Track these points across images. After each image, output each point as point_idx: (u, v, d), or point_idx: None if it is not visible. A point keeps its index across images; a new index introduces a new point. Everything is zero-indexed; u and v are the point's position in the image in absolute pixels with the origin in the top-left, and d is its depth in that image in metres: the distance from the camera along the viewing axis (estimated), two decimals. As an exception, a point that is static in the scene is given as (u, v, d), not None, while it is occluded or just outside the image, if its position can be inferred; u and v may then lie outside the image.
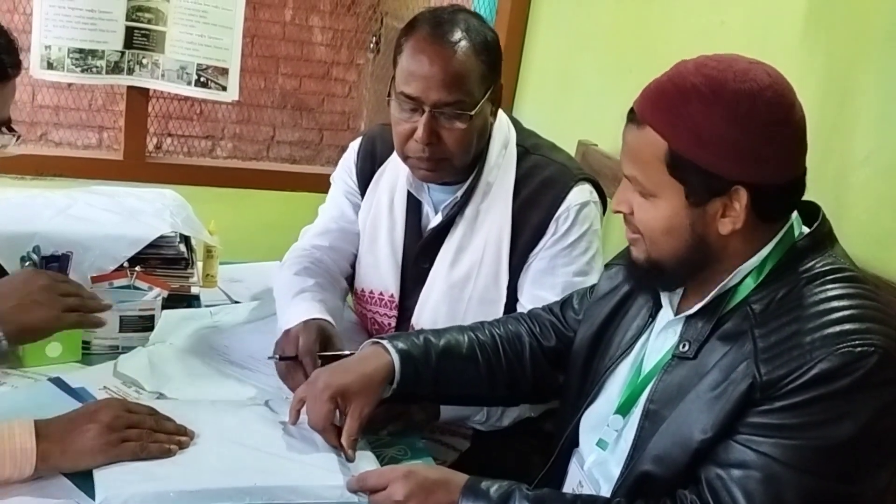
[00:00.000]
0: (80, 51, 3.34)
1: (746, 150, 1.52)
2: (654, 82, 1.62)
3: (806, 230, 1.64)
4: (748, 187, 1.53)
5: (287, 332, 2.15)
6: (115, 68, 3.42)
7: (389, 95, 2.22)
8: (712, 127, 1.51)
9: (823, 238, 1.63)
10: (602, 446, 1.78)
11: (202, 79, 3.49)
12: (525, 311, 2.17)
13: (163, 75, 3.48)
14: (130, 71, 3.45)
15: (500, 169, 2.29)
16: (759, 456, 1.48)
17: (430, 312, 2.33)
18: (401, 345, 1.97)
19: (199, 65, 3.47)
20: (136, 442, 1.69)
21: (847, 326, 1.48)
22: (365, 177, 2.49)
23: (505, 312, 2.26)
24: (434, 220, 2.36)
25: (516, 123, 2.40)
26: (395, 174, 2.42)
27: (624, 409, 1.74)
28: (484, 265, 2.28)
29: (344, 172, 2.56)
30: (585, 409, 1.87)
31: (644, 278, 1.74)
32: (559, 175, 2.29)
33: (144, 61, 3.45)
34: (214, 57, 3.48)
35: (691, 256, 1.62)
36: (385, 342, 1.97)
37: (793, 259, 1.59)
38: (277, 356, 2.12)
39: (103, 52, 3.37)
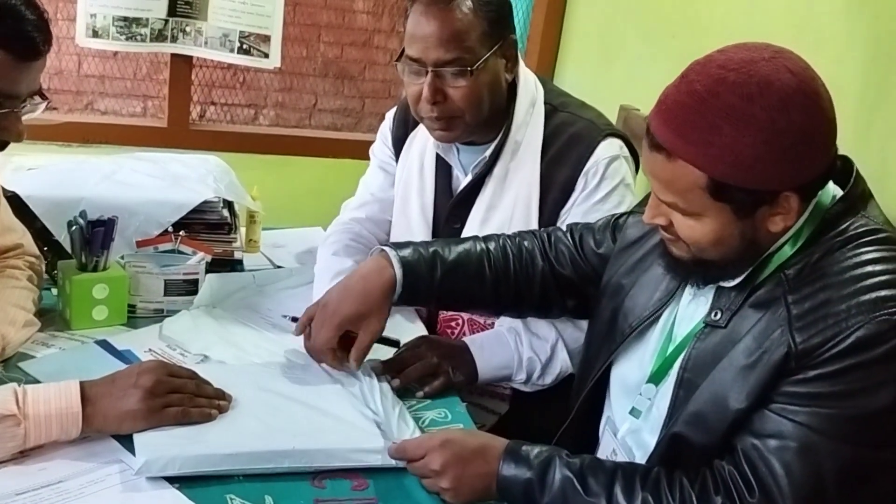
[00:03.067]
0: (125, 19, 3.36)
1: (787, 161, 1.47)
2: (671, 102, 1.52)
3: (839, 191, 1.61)
4: (795, 189, 1.50)
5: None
6: (159, 36, 3.44)
7: (398, 60, 2.24)
8: (749, 150, 1.45)
9: (857, 199, 1.59)
10: (635, 415, 1.77)
11: (244, 46, 3.50)
12: (545, 231, 2.14)
13: (206, 43, 3.49)
14: (174, 39, 3.47)
15: (528, 127, 2.29)
16: (796, 426, 1.48)
17: None
18: (406, 255, 1.99)
19: (241, 32, 3.48)
20: (178, 407, 1.71)
21: (883, 293, 1.46)
22: (398, 143, 2.52)
23: None
24: (464, 181, 2.37)
25: (545, 83, 2.39)
26: (424, 139, 2.43)
27: (657, 378, 1.73)
28: (514, 223, 2.27)
29: (380, 142, 2.59)
30: (611, 366, 1.87)
31: (687, 272, 1.69)
32: (586, 131, 2.27)
33: (188, 29, 3.46)
34: (256, 24, 3.49)
35: (742, 256, 1.58)
36: (389, 251, 1.99)
37: (827, 224, 1.56)
38: (291, 316, 2.15)
39: (147, 19, 3.39)
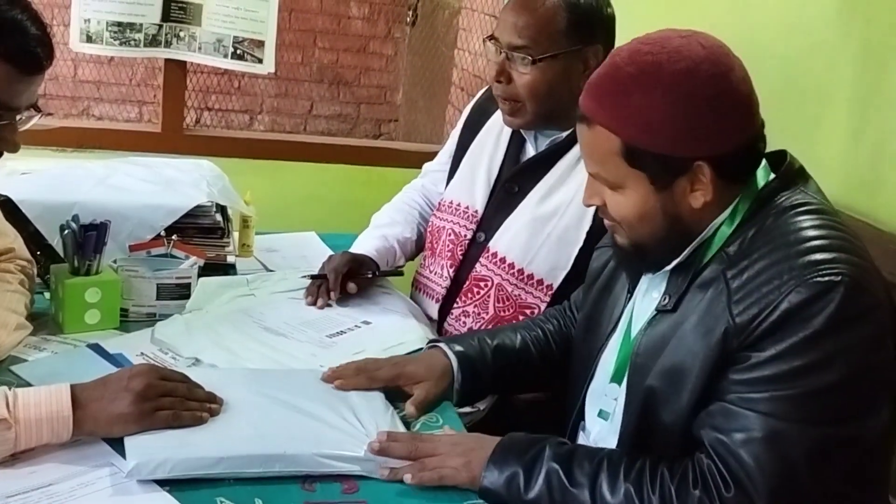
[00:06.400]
0: (119, 24, 3.38)
1: (696, 127, 1.54)
2: (594, 77, 1.64)
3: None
4: (708, 160, 1.55)
5: (330, 257, 2.50)
6: (153, 41, 3.45)
7: (489, 38, 2.40)
8: (657, 112, 1.54)
9: (793, 176, 1.64)
10: (604, 417, 1.80)
11: (238, 51, 3.51)
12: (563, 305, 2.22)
13: (200, 48, 3.51)
14: (168, 44, 3.48)
15: None
16: (758, 416, 1.48)
17: (509, 240, 2.40)
18: (458, 347, 2.04)
19: (235, 37, 3.50)
20: (169, 410, 1.70)
21: (814, 257, 1.49)
22: (471, 126, 2.68)
23: (578, 259, 2.30)
24: (532, 152, 2.48)
25: None
26: None
27: (618, 377, 1.76)
28: (573, 205, 2.32)
29: (457, 126, 2.78)
30: (587, 388, 1.88)
31: (632, 262, 1.75)
32: None
33: (182, 34, 3.47)
34: (251, 29, 3.50)
35: (670, 234, 1.63)
36: (443, 345, 2.05)
37: (763, 200, 1.61)
38: (308, 275, 2.43)
39: (141, 24, 3.41)
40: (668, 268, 1.67)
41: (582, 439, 1.88)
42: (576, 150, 2.33)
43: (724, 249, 1.59)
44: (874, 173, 2.03)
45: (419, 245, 2.74)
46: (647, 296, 1.76)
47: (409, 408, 1.90)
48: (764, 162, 1.66)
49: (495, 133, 2.57)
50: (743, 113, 1.58)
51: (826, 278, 1.46)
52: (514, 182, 2.46)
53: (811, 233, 1.53)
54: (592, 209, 2.25)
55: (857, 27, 2.17)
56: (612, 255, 1.86)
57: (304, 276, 2.49)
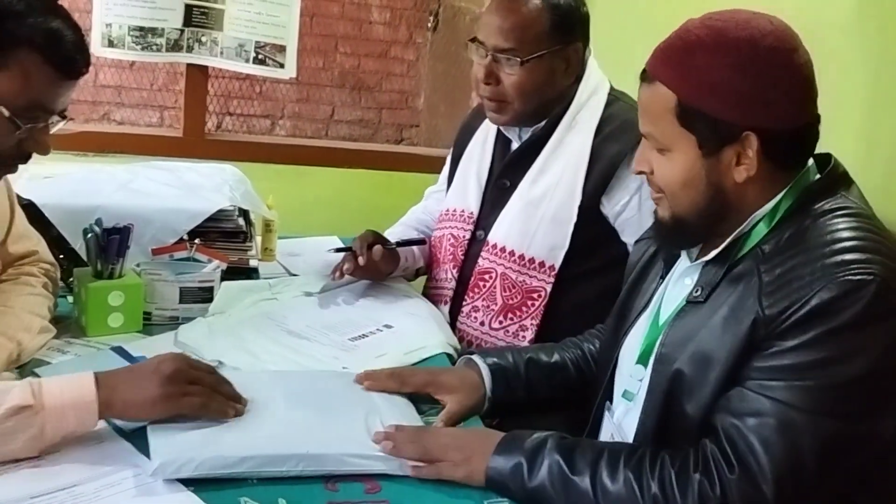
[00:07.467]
0: (141, 28, 3.39)
1: (751, 94, 1.56)
2: (664, 41, 1.68)
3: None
4: (758, 133, 1.57)
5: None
6: (175, 46, 3.47)
7: (471, 40, 2.46)
8: (716, 74, 1.57)
9: (836, 180, 1.65)
10: (628, 397, 1.81)
11: (260, 56, 3.52)
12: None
13: (221, 53, 3.52)
14: (189, 49, 3.49)
15: (587, 109, 2.45)
16: (773, 402, 1.49)
17: (506, 229, 2.47)
18: (491, 359, 2.06)
19: (257, 42, 3.51)
20: (198, 398, 1.71)
21: (847, 256, 1.50)
22: (460, 145, 2.77)
23: (575, 235, 2.37)
24: (517, 145, 2.54)
25: (612, 87, 2.53)
26: (489, 123, 2.64)
27: (644, 359, 1.77)
28: (560, 185, 2.40)
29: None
30: (614, 368, 1.90)
31: (669, 235, 1.77)
32: None
33: (203, 39, 3.49)
34: (272, 34, 3.51)
35: (710, 207, 1.65)
36: (476, 358, 2.06)
37: (804, 202, 1.62)
38: (335, 248, 2.59)
39: (163, 29, 3.42)
40: (705, 259, 1.69)
41: (606, 419, 1.89)
42: (558, 134, 2.45)
43: (760, 246, 1.61)
44: (888, 179, 2.02)
45: (430, 255, 2.77)
46: (680, 282, 1.77)
47: (439, 421, 1.91)
48: (812, 163, 1.67)
49: (481, 140, 2.67)
50: (799, 94, 1.61)
51: (858, 277, 1.47)
52: (504, 177, 2.54)
53: (846, 234, 1.54)
54: (580, 187, 2.36)
55: (872, 34, 2.16)
56: (653, 231, 1.88)
57: (330, 250, 2.60)
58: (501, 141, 2.61)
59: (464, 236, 2.57)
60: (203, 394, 1.72)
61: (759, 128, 1.57)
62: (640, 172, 1.76)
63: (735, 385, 1.55)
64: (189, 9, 3.43)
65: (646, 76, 1.68)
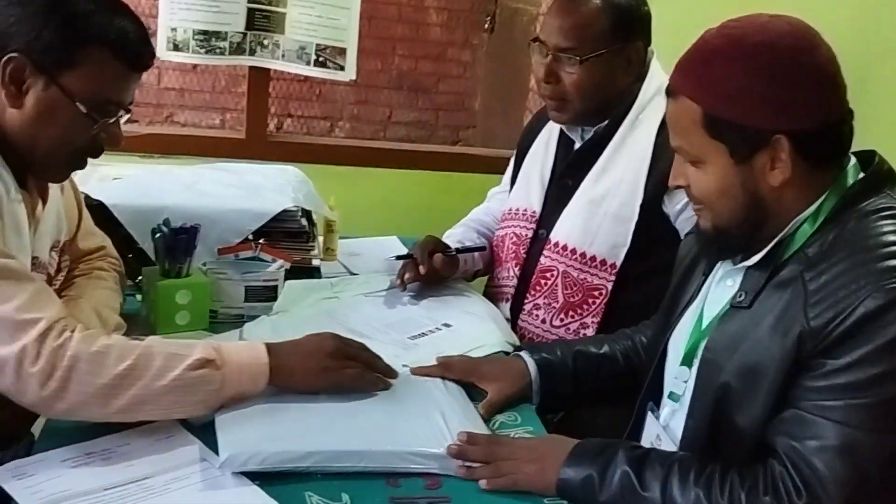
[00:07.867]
0: (204, 32, 3.44)
1: (775, 97, 1.55)
2: (684, 54, 1.67)
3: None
4: (787, 135, 1.55)
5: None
6: (237, 49, 3.51)
7: (534, 41, 2.49)
8: (738, 81, 1.56)
9: (880, 178, 1.62)
10: (674, 399, 1.80)
11: (321, 59, 3.56)
12: None
13: (283, 55, 3.55)
14: (252, 52, 3.53)
15: (650, 109, 2.45)
16: (833, 424, 1.47)
17: (568, 227, 2.49)
18: (537, 353, 2.10)
19: (317, 45, 3.53)
20: (356, 370, 1.88)
21: (893, 262, 1.47)
22: (523, 149, 2.79)
23: (636, 234, 2.38)
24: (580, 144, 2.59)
25: None
26: (552, 124, 2.67)
27: (688, 360, 1.76)
28: (623, 184, 2.42)
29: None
30: (662, 369, 1.90)
31: (713, 246, 1.77)
32: None
33: (265, 42, 3.53)
34: (332, 37, 3.54)
35: (750, 214, 1.63)
36: (523, 352, 2.11)
37: (848, 202, 1.59)
38: (395, 256, 2.63)
39: (226, 33, 3.46)
40: (748, 263, 1.67)
41: (649, 419, 1.89)
42: (620, 133, 2.46)
43: (805, 250, 1.58)
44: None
45: (489, 258, 2.79)
46: (722, 283, 1.76)
47: (480, 408, 1.95)
48: (854, 161, 1.65)
49: (544, 141, 2.70)
50: (825, 91, 1.58)
51: None
52: (566, 177, 2.56)
53: (891, 238, 1.51)
54: (642, 185, 2.37)
55: (872, 38, 2.15)
56: (697, 240, 1.89)
57: (391, 258, 2.65)
58: (564, 141, 2.63)
59: (526, 235, 2.59)
60: (359, 368, 1.89)
61: (788, 130, 1.55)
62: (678, 187, 1.76)
63: (787, 402, 1.54)
64: (251, 12, 3.47)
65: (670, 91, 1.67)
